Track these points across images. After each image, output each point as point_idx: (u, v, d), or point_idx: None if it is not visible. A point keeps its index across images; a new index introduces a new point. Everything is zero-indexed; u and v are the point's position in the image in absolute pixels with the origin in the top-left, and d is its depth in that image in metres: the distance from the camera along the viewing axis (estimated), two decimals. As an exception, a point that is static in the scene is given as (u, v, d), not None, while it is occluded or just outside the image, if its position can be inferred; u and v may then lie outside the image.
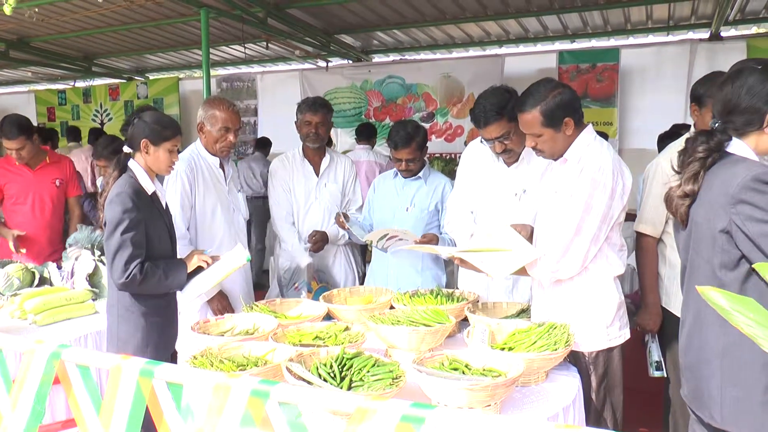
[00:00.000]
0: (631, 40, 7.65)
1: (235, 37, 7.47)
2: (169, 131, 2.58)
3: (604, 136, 6.38)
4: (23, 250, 3.61)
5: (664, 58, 7.20)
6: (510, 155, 2.82)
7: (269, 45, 7.65)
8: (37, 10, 6.01)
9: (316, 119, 3.66)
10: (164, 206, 2.69)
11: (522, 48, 8.23)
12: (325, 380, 1.92)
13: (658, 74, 7.26)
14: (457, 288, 3.03)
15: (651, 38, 7.62)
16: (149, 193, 2.58)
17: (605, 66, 7.16)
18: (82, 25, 7.10)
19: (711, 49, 7.04)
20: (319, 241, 3.66)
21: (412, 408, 1.01)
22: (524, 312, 2.68)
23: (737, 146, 1.82)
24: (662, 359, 2.88)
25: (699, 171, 1.84)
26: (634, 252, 3.07)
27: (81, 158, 7.23)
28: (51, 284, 3.53)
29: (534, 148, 2.35)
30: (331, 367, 1.97)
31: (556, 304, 2.38)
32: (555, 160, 2.38)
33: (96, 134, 7.97)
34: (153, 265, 2.47)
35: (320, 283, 3.84)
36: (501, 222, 2.51)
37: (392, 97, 8.58)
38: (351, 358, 2.02)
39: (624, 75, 7.25)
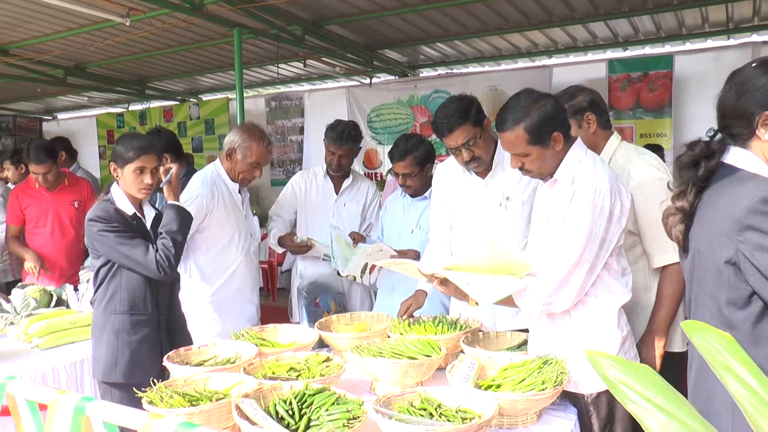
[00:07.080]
0: (688, 45, 7.19)
1: (281, 57, 7.50)
2: (132, 153, 2.49)
3: (658, 148, 6.01)
4: (36, 276, 3.65)
5: (722, 64, 6.65)
6: (478, 164, 2.63)
7: (307, 63, 7.65)
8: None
9: (341, 152, 3.59)
10: (149, 230, 2.61)
11: (572, 57, 7.90)
12: (282, 418, 1.78)
13: (717, 81, 6.68)
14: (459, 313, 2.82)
15: (709, 43, 7.14)
16: (129, 214, 2.52)
17: (658, 74, 6.72)
18: (131, 49, 7.30)
19: (777, 52, 6.50)
20: None
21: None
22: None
23: (740, 157, 1.55)
24: None
25: (689, 183, 1.58)
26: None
27: None
28: (68, 306, 3.54)
29: (521, 169, 2.12)
30: (290, 404, 1.83)
31: (552, 339, 2.13)
32: (543, 180, 2.15)
33: None
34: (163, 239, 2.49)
35: (339, 306, 3.72)
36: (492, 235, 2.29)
37: (439, 113, 8.40)
38: (313, 395, 1.87)
39: (678, 83, 6.78)
